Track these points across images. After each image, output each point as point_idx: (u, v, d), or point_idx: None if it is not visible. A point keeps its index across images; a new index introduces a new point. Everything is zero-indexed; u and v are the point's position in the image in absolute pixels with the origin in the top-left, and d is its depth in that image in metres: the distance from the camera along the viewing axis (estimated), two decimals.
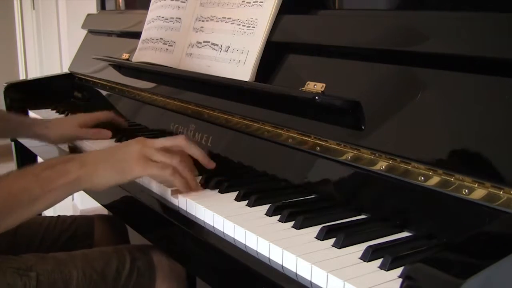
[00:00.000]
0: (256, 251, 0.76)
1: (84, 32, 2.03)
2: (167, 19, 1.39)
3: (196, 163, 1.00)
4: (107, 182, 0.91)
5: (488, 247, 0.62)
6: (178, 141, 0.95)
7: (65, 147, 1.41)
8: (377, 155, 0.83)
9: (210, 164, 0.99)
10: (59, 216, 1.34)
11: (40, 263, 0.98)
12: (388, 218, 0.81)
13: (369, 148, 0.84)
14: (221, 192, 0.94)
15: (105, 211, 1.45)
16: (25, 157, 1.81)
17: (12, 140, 1.83)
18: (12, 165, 1.88)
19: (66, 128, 1.36)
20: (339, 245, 0.72)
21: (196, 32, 1.27)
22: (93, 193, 1.30)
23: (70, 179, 0.88)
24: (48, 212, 1.35)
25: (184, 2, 1.35)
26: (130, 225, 1.27)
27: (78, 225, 1.31)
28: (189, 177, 0.94)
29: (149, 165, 0.91)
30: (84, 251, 1.06)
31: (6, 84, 1.83)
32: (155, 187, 1.00)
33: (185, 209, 0.92)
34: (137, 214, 1.08)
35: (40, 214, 1.83)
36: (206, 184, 0.98)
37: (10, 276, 0.94)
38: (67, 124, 1.37)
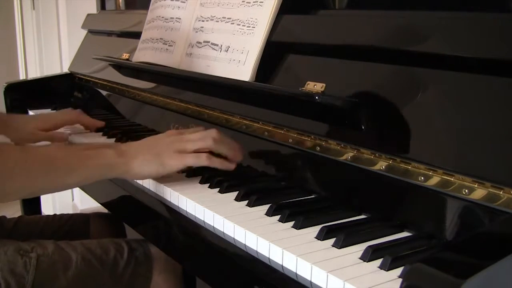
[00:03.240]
0: (256, 251, 0.76)
1: (84, 32, 2.02)
2: (167, 19, 1.39)
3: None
4: (146, 173, 0.97)
5: (488, 247, 0.61)
6: (208, 144, 0.99)
7: None
8: (377, 155, 0.83)
9: (232, 165, 1.02)
10: (55, 214, 1.36)
11: (41, 246, 1.02)
12: (388, 218, 0.81)
13: (369, 148, 0.84)
14: (221, 192, 0.94)
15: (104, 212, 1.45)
16: None
17: None
18: None
19: (24, 131, 1.35)
20: (339, 245, 0.72)
21: (196, 32, 1.27)
22: (91, 192, 1.31)
23: (106, 162, 0.94)
24: (48, 212, 1.35)
25: (184, 2, 1.35)
26: (128, 224, 1.27)
27: (74, 222, 1.33)
28: (227, 152, 1.00)
29: (185, 156, 0.97)
30: (82, 241, 1.09)
31: (6, 84, 1.83)
32: (155, 186, 1.01)
33: (185, 209, 0.92)
34: (135, 213, 1.08)
35: (40, 213, 1.84)
36: (206, 184, 0.99)
37: (11, 255, 0.97)
38: (28, 127, 1.36)
